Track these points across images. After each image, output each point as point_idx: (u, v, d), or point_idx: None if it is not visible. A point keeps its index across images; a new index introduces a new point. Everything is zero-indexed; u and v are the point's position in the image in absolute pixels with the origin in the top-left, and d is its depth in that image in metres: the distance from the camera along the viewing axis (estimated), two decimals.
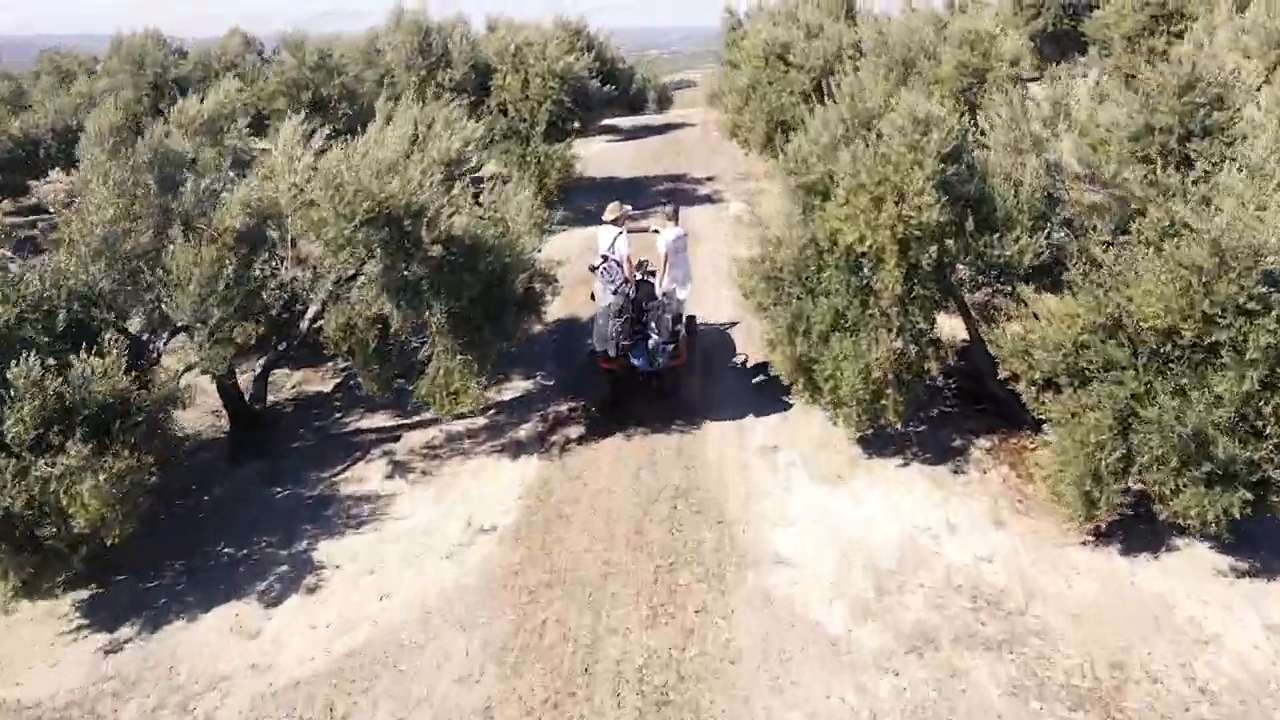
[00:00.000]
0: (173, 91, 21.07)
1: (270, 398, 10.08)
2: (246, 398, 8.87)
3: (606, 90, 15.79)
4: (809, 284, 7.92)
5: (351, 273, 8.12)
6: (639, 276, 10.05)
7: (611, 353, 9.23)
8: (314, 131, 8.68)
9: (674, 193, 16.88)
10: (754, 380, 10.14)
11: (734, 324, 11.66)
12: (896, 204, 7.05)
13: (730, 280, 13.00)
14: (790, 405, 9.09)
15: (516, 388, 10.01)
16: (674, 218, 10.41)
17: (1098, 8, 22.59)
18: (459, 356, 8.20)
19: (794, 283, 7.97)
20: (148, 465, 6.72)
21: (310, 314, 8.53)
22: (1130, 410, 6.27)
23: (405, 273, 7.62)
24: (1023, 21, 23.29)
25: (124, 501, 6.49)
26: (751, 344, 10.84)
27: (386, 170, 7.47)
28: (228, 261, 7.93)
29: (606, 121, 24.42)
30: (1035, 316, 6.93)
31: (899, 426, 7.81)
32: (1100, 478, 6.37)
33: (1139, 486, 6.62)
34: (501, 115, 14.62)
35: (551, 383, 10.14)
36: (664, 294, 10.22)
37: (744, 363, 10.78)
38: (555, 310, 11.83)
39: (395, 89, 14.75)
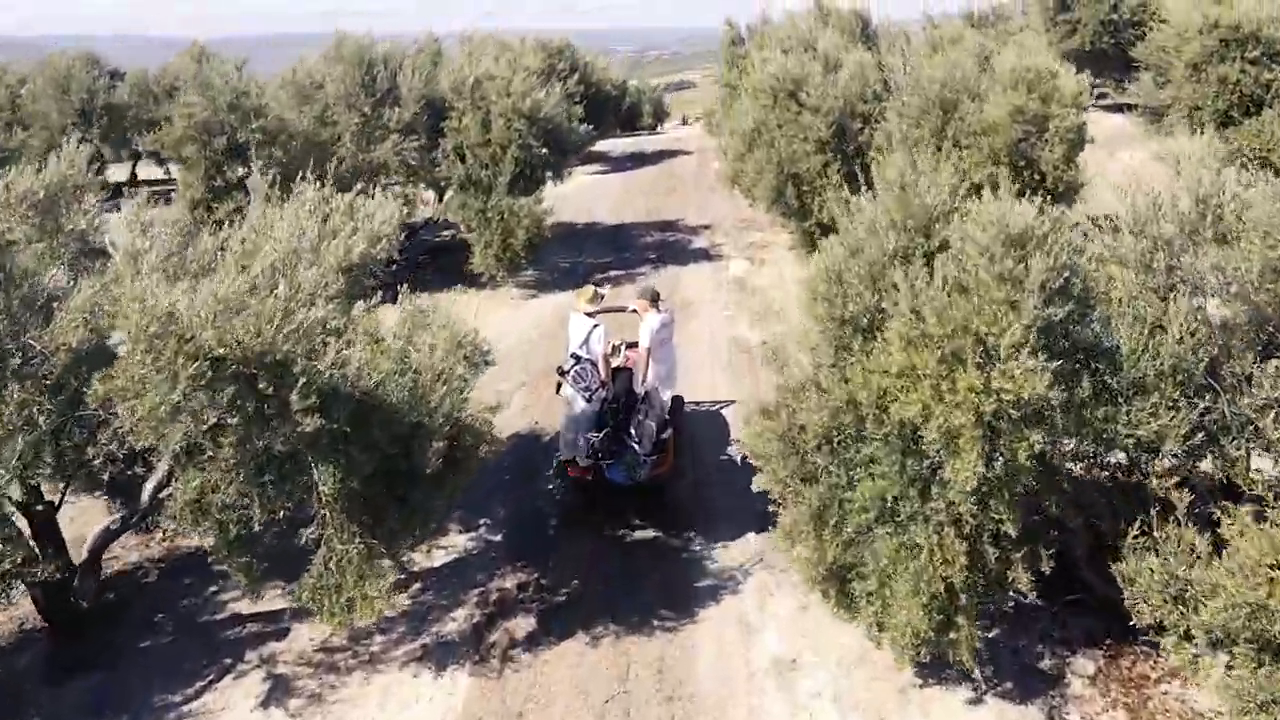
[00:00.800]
0: (103, 120, 18.84)
1: (134, 555, 7.76)
2: (78, 582, 6.53)
3: (585, 130, 13.47)
4: (844, 452, 5.59)
5: (212, 422, 5.78)
6: (616, 361, 8.34)
7: (582, 462, 7.58)
8: (152, 217, 6.34)
9: (665, 245, 14.58)
10: (754, 485, 7.99)
11: (728, 403, 9.72)
12: (981, 367, 4.72)
13: (731, 366, 10.79)
14: None
15: (451, 546, 7.66)
16: (656, 301, 8.31)
17: (1139, 24, 20.31)
18: (357, 542, 5.87)
19: (823, 449, 5.64)
20: None
21: (154, 480, 6.21)
22: None
23: (266, 447, 5.28)
24: (1056, 39, 20.99)
25: None
26: (741, 404, 8.85)
27: (238, 304, 5.12)
28: (38, 410, 5.65)
29: (594, 147, 22.14)
30: (1192, 545, 4.61)
31: (972, 668, 5.46)
32: None
33: None
34: (459, 161, 12.30)
35: (498, 537, 7.80)
36: (647, 393, 8.16)
37: (742, 458, 8.67)
38: (513, 415, 9.55)
39: (335, 129, 12.45)
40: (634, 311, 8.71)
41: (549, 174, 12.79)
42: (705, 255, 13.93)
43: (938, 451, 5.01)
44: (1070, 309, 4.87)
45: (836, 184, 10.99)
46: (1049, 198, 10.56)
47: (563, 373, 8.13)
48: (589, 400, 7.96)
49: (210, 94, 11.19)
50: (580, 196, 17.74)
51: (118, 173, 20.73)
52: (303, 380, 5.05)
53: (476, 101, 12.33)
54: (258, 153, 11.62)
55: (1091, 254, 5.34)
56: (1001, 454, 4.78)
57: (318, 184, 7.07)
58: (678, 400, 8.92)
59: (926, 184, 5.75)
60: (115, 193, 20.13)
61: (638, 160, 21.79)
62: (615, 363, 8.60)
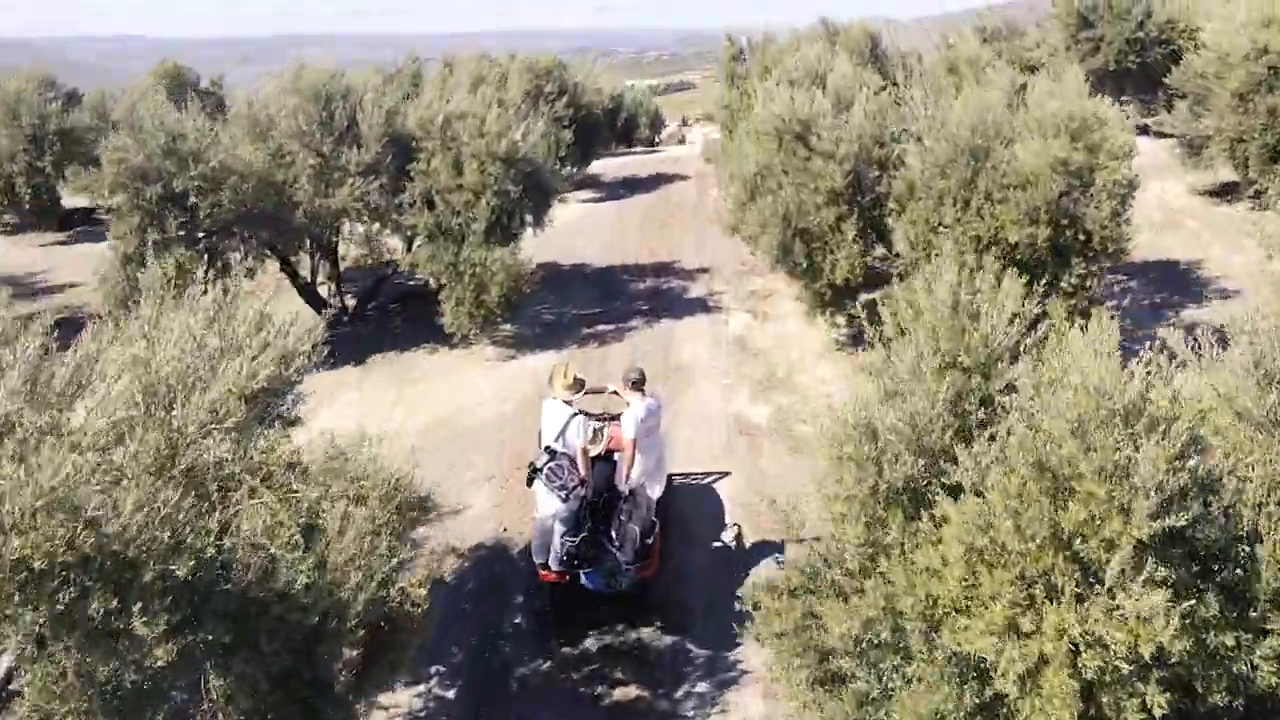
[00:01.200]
0: (54, 146, 17.52)
1: None
2: None
3: (568, 172, 12.18)
4: (877, 657, 4.29)
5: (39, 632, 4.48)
6: (596, 449, 7.37)
7: (556, 567, 6.70)
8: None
9: (659, 293, 13.28)
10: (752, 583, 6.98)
11: (721, 475, 8.65)
12: (1080, 601, 3.42)
13: (730, 451, 9.45)
14: None
15: (395, 707, 6.35)
16: (641, 385, 7.20)
17: (1167, 42, 19.04)
18: None
19: (850, 652, 4.35)
20: None
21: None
22: None
23: (115, 670, 3.98)
24: (1078, 58, 19.66)
25: None
26: (742, 507, 8.01)
27: (76, 485, 3.81)
28: None
29: (586, 170, 20.82)
30: None
31: None
32: None
33: None
34: (427, 208, 10.99)
35: (452, 693, 6.50)
36: (631, 491, 7.07)
37: (736, 540, 7.74)
38: (479, 517, 8.28)
39: (292, 170, 11.16)
40: (614, 393, 7.65)
41: (529, 221, 11.48)
42: (703, 306, 12.62)
43: (1017, 693, 3.72)
44: (1198, 506, 3.57)
45: (852, 240, 9.73)
46: (1093, 257, 9.42)
47: (535, 469, 6.96)
48: (565, 500, 6.78)
49: (141, 137, 9.88)
50: (569, 231, 16.41)
51: (78, 200, 19.40)
52: (151, 593, 3.74)
53: (446, 142, 11.02)
54: (200, 201, 10.33)
55: (1213, 415, 4.02)
56: (1105, 714, 3.49)
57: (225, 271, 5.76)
58: (667, 479, 7.82)
59: (985, 306, 4.46)
60: (69, 221, 18.94)
61: (631, 186, 20.46)
62: (596, 450, 7.47)
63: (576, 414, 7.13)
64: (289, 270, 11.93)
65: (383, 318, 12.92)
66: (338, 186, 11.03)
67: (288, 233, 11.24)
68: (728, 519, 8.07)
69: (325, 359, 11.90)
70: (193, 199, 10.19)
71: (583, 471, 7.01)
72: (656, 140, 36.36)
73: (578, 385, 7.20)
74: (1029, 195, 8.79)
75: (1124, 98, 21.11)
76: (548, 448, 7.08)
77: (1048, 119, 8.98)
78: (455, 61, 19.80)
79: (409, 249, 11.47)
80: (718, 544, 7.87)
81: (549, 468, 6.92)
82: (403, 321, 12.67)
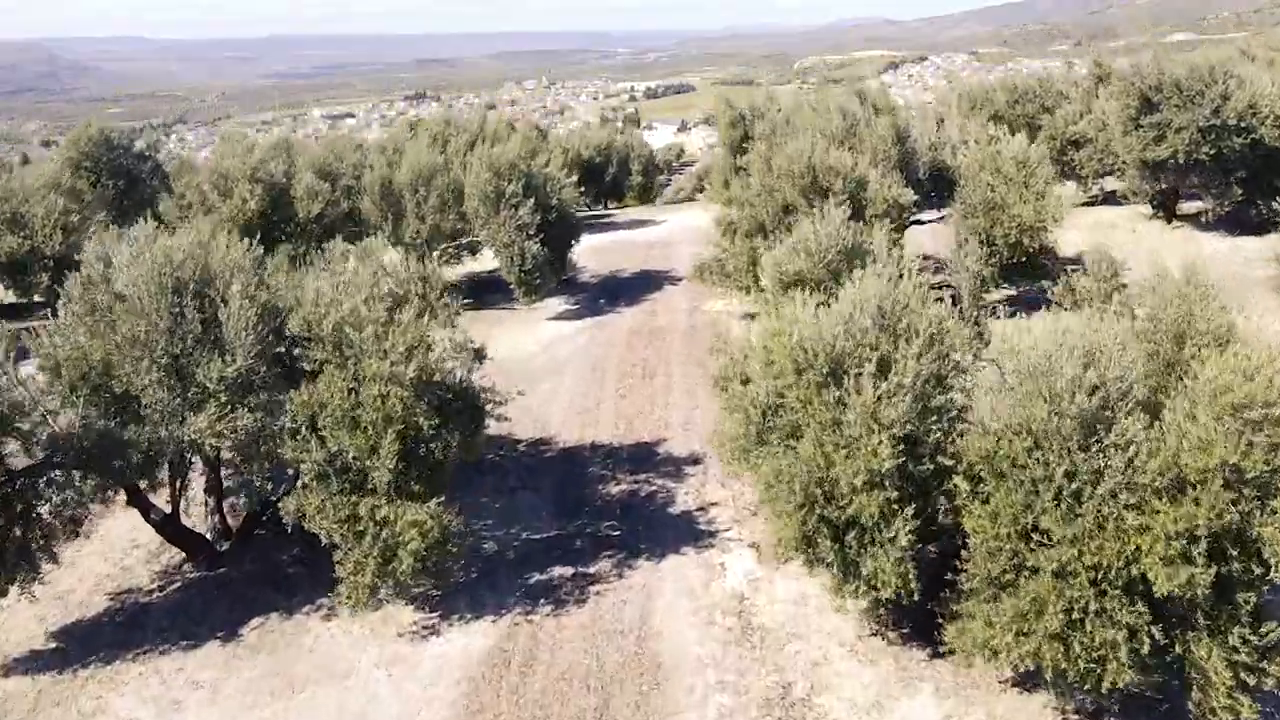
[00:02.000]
0: None
1: None
2: None
3: (498, 396, 9.09)
4: None
5: None
6: None
7: None
8: None
9: (634, 504, 10.29)
10: None
11: None
12: None
13: None
14: None
15: None
16: None
17: (1248, 131, 16.04)
18: None
19: None
20: None
21: None
22: None
23: None
24: (1138, 145, 16.69)
25: None
26: None
27: None
28: None
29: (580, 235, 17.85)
30: None
31: None
32: None
33: None
34: (316, 439, 7.99)
35: None
36: None
37: None
38: None
39: (136, 382, 8.16)
40: None
41: (455, 453, 8.47)
42: (692, 534, 9.63)
43: None
44: None
45: (909, 543, 6.75)
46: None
47: None
48: None
49: None
50: (531, 373, 13.46)
51: None
52: None
53: (343, 349, 8.04)
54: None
55: None
56: None
57: None
58: None
59: None
60: None
61: (613, 292, 17.44)
62: None
63: None
64: (140, 504, 8.95)
65: (274, 547, 9.86)
66: (195, 409, 8.06)
67: (130, 467, 8.24)
68: None
69: (184, 631, 8.77)
70: None
71: None
72: (651, 187, 33.44)
73: None
74: (1188, 512, 5.83)
75: (1194, 188, 18.18)
76: None
77: (1205, 391, 6.01)
78: (405, 147, 16.81)
79: (295, 486, 8.48)
80: None
81: None
82: (297, 556, 9.65)
